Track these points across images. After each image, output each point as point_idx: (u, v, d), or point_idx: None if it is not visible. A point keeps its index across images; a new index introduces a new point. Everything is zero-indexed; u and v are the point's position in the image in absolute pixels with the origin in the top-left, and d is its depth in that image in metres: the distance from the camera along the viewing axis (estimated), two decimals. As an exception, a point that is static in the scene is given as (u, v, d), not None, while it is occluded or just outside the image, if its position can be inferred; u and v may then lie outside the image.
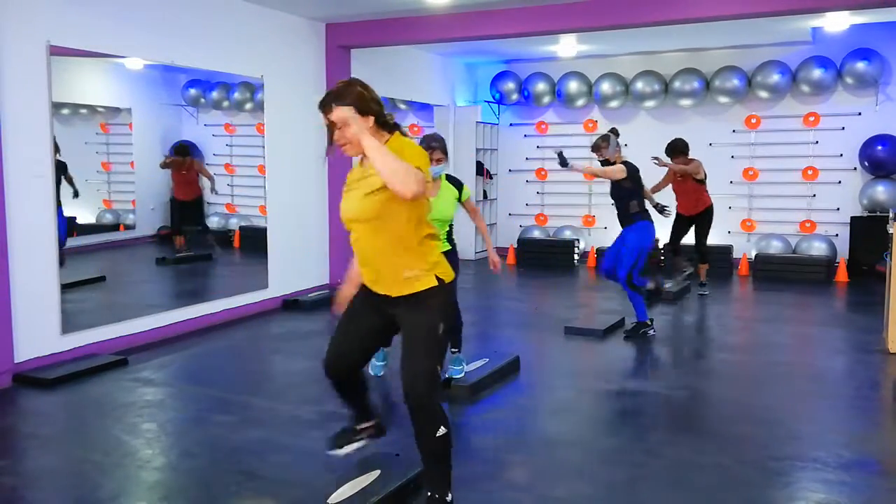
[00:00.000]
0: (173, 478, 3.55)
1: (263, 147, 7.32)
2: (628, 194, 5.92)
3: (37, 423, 4.38)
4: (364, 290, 2.99)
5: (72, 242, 6.89)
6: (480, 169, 10.80)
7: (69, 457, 3.80)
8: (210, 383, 5.09)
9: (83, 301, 6.86)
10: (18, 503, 3.33)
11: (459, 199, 4.62)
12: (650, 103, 9.91)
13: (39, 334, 5.14)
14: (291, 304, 7.25)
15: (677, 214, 7.88)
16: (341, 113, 2.74)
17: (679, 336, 6.24)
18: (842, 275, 8.73)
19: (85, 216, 7.33)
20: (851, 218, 8.87)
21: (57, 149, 6.83)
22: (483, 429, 4.16)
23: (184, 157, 8.18)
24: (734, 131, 9.69)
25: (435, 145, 4.47)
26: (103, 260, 7.23)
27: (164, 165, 8.10)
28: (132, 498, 3.35)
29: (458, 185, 4.62)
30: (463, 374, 4.78)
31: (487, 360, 5.08)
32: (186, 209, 8.29)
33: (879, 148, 8.72)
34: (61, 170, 6.89)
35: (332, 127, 2.79)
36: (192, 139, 8.57)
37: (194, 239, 8.52)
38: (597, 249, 9.99)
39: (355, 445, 3.21)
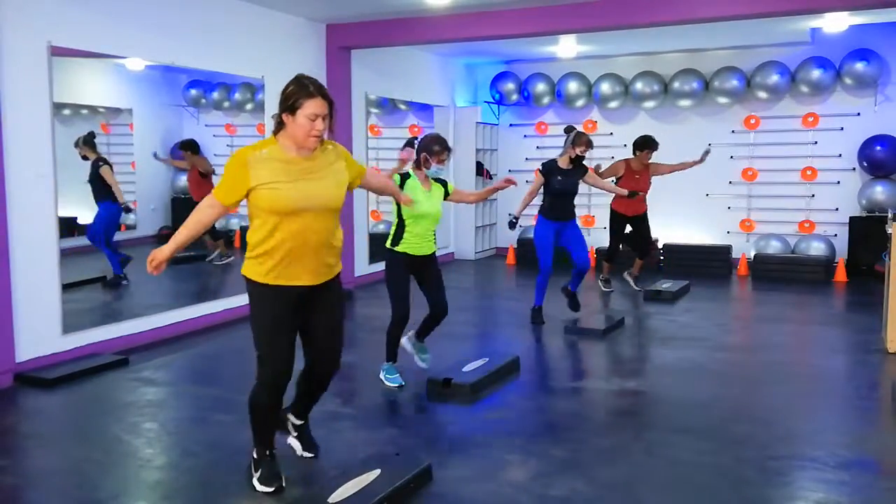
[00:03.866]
0: (174, 477, 3.56)
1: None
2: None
3: (38, 422, 4.40)
4: (276, 292, 3.11)
5: (73, 242, 6.92)
6: (480, 169, 10.81)
7: (70, 456, 3.82)
8: (211, 383, 5.11)
9: (84, 301, 6.87)
10: (19, 502, 3.35)
11: (446, 196, 4.85)
12: (650, 104, 9.93)
13: (40, 334, 5.16)
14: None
15: (619, 215, 7.89)
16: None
17: (678, 335, 6.25)
18: (840, 275, 8.75)
19: (86, 216, 7.34)
20: (850, 218, 8.89)
21: (94, 145, 6.96)
22: (483, 429, 4.17)
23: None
24: (733, 132, 9.71)
25: (437, 149, 4.67)
26: (104, 260, 7.24)
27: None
28: (133, 497, 3.36)
29: (443, 183, 4.84)
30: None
31: (487, 360, 5.09)
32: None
33: (878, 148, 8.74)
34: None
35: (315, 119, 3.01)
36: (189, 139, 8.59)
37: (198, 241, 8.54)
38: (596, 250, 10.00)
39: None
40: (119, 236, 7.86)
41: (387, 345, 4.87)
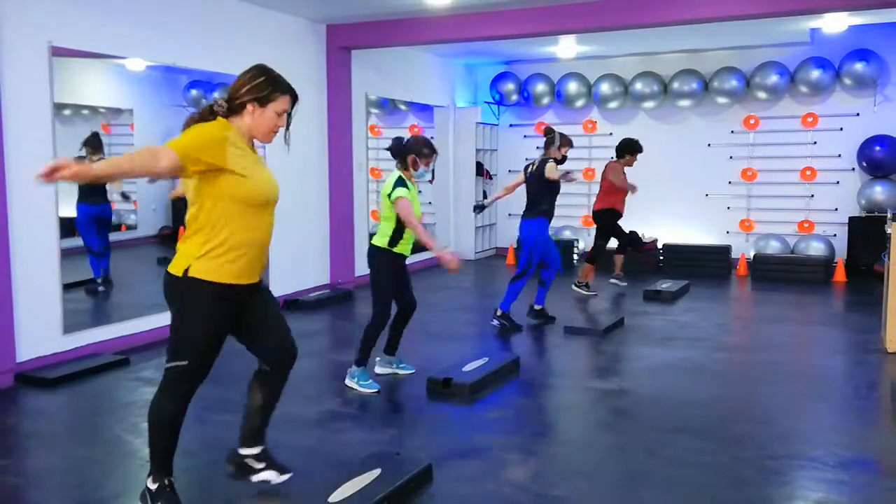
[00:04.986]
0: (174, 477, 3.55)
1: (264, 147, 7.33)
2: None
3: (38, 422, 4.40)
4: (221, 295, 2.85)
5: (74, 242, 6.92)
6: (480, 169, 10.82)
7: (71, 456, 3.82)
8: (210, 382, 5.07)
9: (85, 301, 6.88)
10: (20, 502, 3.35)
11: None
12: (649, 104, 9.94)
13: (41, 334, 5.16)
14: (292, 304, 7.27)
15: (618, 214, 8.00)
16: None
17: (678, 335, 6.26)
18: (840, 275, 8.75)
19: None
20: (850, 218, 8.90)
21: (99, 146, 6.99)
22: (483, 429, 4.18)
23: None
24: (733, 132, 9.72)
25: (427, 151, 4.74)
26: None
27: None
28: (134, 497, 3.35)
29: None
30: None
31: (487, 360, 5.10)
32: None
33: (877, 148, 8.75)
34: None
35: (282, 114, 2.93)
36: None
37: None
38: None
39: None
40: (120, 236, 7.87)
41: (362, 348, 4.74)
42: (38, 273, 5.14)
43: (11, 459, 3.78)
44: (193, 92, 8.47)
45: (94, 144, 7.12)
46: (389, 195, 4.62)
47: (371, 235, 4.91)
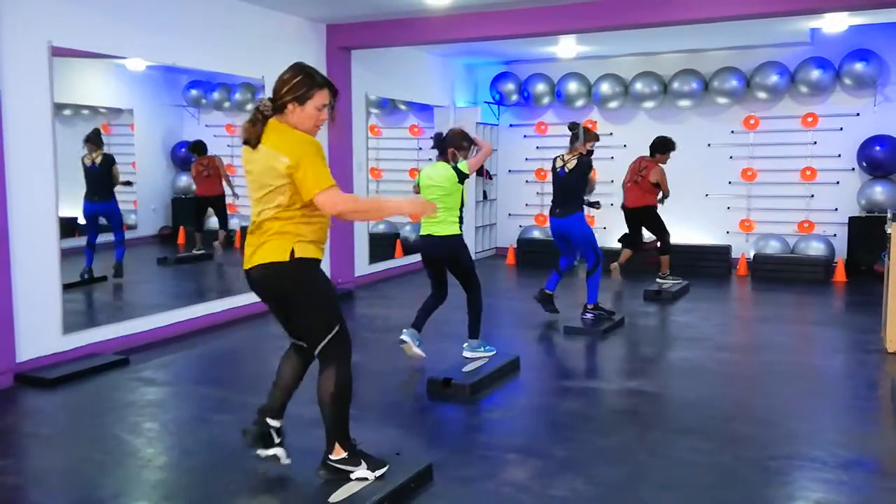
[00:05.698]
0: (174, 477, 3.57)
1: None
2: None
3: (38, 422, 4.40)
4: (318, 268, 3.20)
5: (74, 242, 6.93)
6: (480, 169, 10.77)
7: (71, 456, 3.82)
8: (211, 383, 5.10)
9: (84, 301, 6.88)
10: (20, 502, 3.35)
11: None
12: (649, 104, 9.93)
13: (41, 334, 5.16)
14: (292, 304, 7.25)
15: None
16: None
17: (678, 335, 6.26)
18: (840, 275, 8.75)
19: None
20: (850, 218, 8.90)
21: (100, 142, 7.12)
22: (483, 429, 4.18)
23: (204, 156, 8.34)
24: (733, 132, 9.72)
25: (466, 145, 5.18)
26: (105, 260, 7.25)
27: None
28: (134, 497, 3.36)
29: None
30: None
31: (487, 360, 5.10)
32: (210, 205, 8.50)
33: (877, 148, 8.74)
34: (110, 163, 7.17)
35: (322, 108, 3.13)
36: (194, 140, 8.59)
37: (204, 237, 8.57)
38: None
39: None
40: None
41: (477, 322, 5.26)
42: (38, 273, 5.14)
43: (11, 459, 3.79)
44: (193, 92, 8.49)
45: (94, 141, 7.18)
46: (460, 179, 5.04)
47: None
